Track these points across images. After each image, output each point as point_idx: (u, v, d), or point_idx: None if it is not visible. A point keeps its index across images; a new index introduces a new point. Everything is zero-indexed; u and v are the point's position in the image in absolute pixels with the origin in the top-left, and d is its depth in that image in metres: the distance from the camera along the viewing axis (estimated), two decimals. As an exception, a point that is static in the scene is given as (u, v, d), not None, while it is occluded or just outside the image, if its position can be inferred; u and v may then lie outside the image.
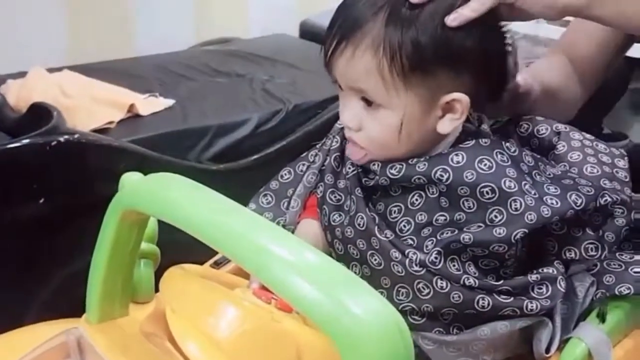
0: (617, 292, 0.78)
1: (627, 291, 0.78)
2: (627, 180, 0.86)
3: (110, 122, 1.48)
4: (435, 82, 0.74)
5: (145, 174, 0.69)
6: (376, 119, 0.76)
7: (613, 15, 0.81)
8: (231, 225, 0.57)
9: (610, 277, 0.80)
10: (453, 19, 0.73)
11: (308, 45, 2.10)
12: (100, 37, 2.02)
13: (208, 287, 0.65)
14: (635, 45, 2.02)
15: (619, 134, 3.10)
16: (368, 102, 0.75)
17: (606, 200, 0.76)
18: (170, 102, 1.63)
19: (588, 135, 0.89)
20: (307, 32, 2.26)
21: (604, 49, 1.01)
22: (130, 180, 0.74)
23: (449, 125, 0.76)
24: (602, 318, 0.78)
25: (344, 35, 0.74)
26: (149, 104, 1.59)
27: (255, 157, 1.64)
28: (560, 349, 0.76)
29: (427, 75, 0.74)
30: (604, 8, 0.80)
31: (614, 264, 0.81)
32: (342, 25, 0.75)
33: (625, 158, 0.89)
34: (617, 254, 0.83)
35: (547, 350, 0.75)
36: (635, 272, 0.80)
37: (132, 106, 1.54)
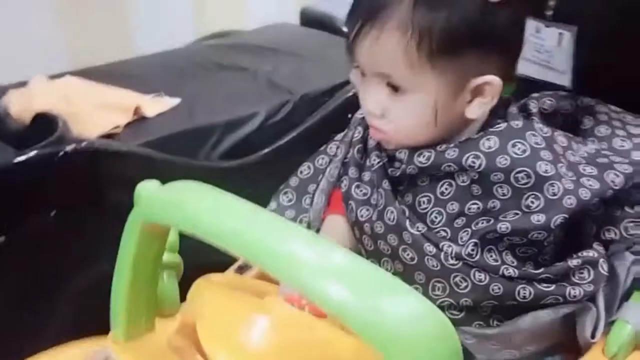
0: (660, 269, 0.76)
1: (671, 268, 0.75)
2: None
3: (117, 127, 1.44)
4: (465, 64, 0.71)
5: (156, 176, 0.67)
6: (402, 105, 0.72)
7: None
8: (255, 231, 0.54)
9: (651, 254, 0.77)
10: None
11: (310, 33, 2.07)
12: (98, 40, 1.98)
13: (238, 298, 0.62)
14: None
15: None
16: (394, 88, 0.72)
17: None
18: (176, 101, 1.59)
19: (614, 107, 0.86)
20: (309, 20, 2.22)
21: None
22: (147, 190, 0.71)
23: (478, 109, 0.73)
24: (646, 297, 0.75)
25: (369, 17, 0.70)
26: (155, 105, 1.55)
27: (266, 150, 1.61)
28: (605, 332, 0.74)
29: (457, 57, 0.70)
30: None
31: (655, 241, 0.78)
32: (366, 7, 0.71)
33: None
34: (656, 230, 0.80)
35: (593, 335, 0.72)
36: (677, 248, 0.77)
37: (137, 108, 1.50)
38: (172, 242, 0.73)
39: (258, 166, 1.58)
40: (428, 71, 0.70)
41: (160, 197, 0.62)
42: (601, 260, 0.72)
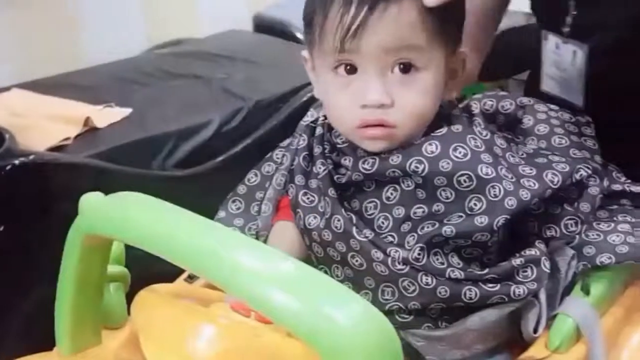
0: (598, 263, 0.78)
1: (609, 260, 0.77)
2: (595, 147, 0.85)
3: (67, 139, 1.42)
4: (452, 39, 0.74)
5: (108, 189, 0.66)
6: (413, 86, 0.72)
7: None
8: (197, 242, 0.54)
9: (590, 248, 0.79)
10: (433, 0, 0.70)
11: (263, 39, 2.07)
12: (46, 51, 1.96)
13: (182, 308, 0.62)
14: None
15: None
16: (406, 69, 0.72)
17: (581, 174, 0.75)
18: (127, 111, 1.58)
19: (553, 106, 0.88)
20: (261, 26, 2.22)
21: None
22: (90, 201, 0.71)
23: (454, 88, 0.77)
24: (586, 290, 0.77)
25: None
26: (106, 116, 1.54)
27: (222, 158, 1.61)
28: (548, 326, 0.75)
29: (452, 31, 0.74)
30: None
31: (593, 235, 0.80)
32: None
33: (592, 125, 0.88)
34: (594, 224, 0.82)
35: (535, 330, 0.74)
36: (614, 241, 0.79)
37: (87, 119, 1.49)
38: (117, 254, 0.73)
39: (213, 174, 1.58)
40: (437, 46, 0.72)
41: (102, 208, 0.62)
42: (543, 258, 0.74)
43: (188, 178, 1.54)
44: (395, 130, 0.73)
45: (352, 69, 0.73)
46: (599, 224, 0.82)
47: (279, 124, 1.68)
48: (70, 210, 0.67)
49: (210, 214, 0.88)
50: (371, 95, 0.71)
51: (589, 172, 0.75)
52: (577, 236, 0.79)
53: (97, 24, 2.05)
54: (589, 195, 0.81)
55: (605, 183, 0.84)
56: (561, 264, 0.78)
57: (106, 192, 0.66)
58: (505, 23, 2.85)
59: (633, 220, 0.82)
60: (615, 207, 0.84)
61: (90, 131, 1.49)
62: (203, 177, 1.56)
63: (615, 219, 0.82)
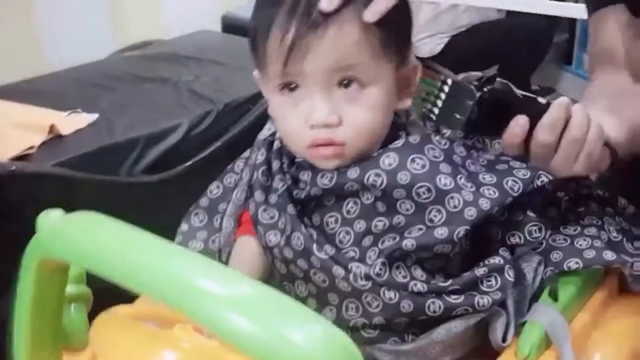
0: (566, 268, 0.77)
1: (576, 265, 0.77)
2: None
3: (31, 147, 1.40)
4: (401, 52, 0.73)
5: (75, 197, 0.64)
6: (359, 101, 0.71)
7: None
8: (151, 264, 0.52)
9: (557, 253, 0.79)
10: (373, 14, 0.69)
11: (232, 40, 2.06)
12: (8, 56, 1.92)
13: (142, 332, 0.61)
14: (557, 3, 2.03)
15: (547, 88, 3.14)
16: (347, 84, 0.70)
17: (542, 180, 0.74)
18: (93, 117, 1.56)
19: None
20: (230, 26, 2.21)
21: None
22: (48, 220, 0.69)
23: (407, 101, 0.75)
24: (554, 296, 0.77)
25: (321, 17, 0.68)
26: (71, 122, 1.52)
27: (191, 162, 1.60)
28: (517, 334, 0.75)
29: (400, 44, 0.72)
30: None
31: (560, 239, 0.80)
32: (308, 10, 0.68)
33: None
34: (561, 228, 0.82)
35: (504, 339, 0.74)
36: (581, 245, 0.79)
37: (52, 127, 1.47)
38: (77, 274, 0.71)
39: (183, 178, 1.57)
40: (382, 59, 0.71)
41: (58, 231, 0.60)
42: (507, 266, 0.73)
43: (157, 184, 1.52)
44: (344, 148, 0.72)
45: (294, 86, 0.72)
46: (565, 227, 0.81)
47: (249, 125, 1.67)
48: (34, 221, 0.65)
49: (179, 219, 0.87)
50: (317, 116, 0.70)
51: (550, 177, 0.75)
52: (544, 241, 0.78)
53: (61, 26, 2.02)
54: (554, 199, 0.80)
55: (573, 186, 0.84)
56: (528, 270, 0.78)
57: (73, 201, 0.65)
58: (475, 18, 2.85)
59: (599, 223, 0.82)
60: (582, 209, 0.84)
61: (55, 138, 1.47)
62: (172, 182, 1.55)
63: (582, 222, 0.82)
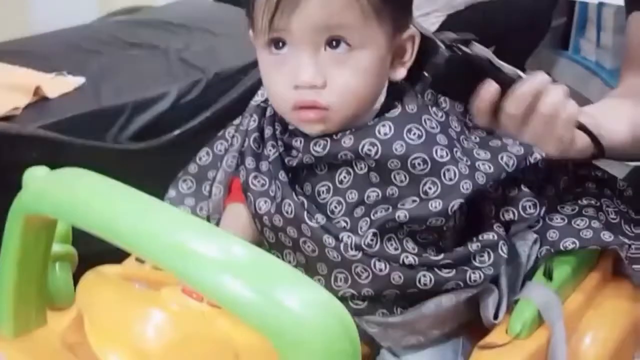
0: (562, 247, 0.77)
1: (573, 245, 0.76)
2: None
3: (16, 109, 1.37)
4: (397, 18, 0.70)
5: (59, 160, 0.62)
6: (347, 64, 0.68)
7: None
8: (142, 222, 0.51)
9: (554, 232, 0.78)
10: None
11: (223, 8, 2.02)
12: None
13: (130, 292, 0.59)
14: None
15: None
16: (335, 46, 0.68)
17: (535, 157, 0.72)
18: (80, 80, 1.53)
19: None
20: (222, -5, 2.16)
21: None
22: (33, 178, 0.67)
23: (402, 70, 0.73)
24: (549, 275, 0.76)
25: None
26: (57, 85, 1.48)
27: (179, 131, 1.57)
28: (509, 311, 0.74)
29: (394, 9, 0.69)
30: None
31: (557, 219, 0.79)
32: None
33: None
34: (558, 207, 0.81)
35: (496, 316, 0.73)
36: (578, 225, 0.78)
37: (38, 89, 1.43)
38: (62, 232, 0.69)
39: (170, 147, 1.54)
40: (374, 23, 0.68)
41: (45, 186, 0.58)
42: (501, 242, 0.72)
43: (143, 151, 1.49)
44: (328, 113, 0.69)
45: (281, 45, 0.69)
46: (563, 207, 0.80)
47: (239, 97, 1.64)
48: (18, 183, 0.63)
49: (165, 189, 0.85)
50: (302, 77, 0.68)
51: (543, 154, 0.73)
52: (541, 220, 0.77)
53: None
54: (553, 178, 0.79)
55: (571, 166, 0.83)
56: (523, 248, 0.77)
57: (57, 166, 0.62)
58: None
59: (598, 204, 0.81)
60: (580, 190, 0.83)
61: (40, 101, 1.43)
62: (159, 150, 1.52)
63: (580, 202, 0.81)
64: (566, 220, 0.78)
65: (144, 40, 1.79)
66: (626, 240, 0.78)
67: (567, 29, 2.93)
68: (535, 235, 0.77)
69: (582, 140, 0.75)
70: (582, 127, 0.75)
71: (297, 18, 0.67)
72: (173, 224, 0.51)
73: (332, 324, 0.47)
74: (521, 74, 0.76)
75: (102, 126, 1.45)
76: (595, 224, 0.78)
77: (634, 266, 0.79)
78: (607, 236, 0.76)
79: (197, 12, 2.01)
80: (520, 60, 2.60)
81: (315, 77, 0.68)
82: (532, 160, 0.73)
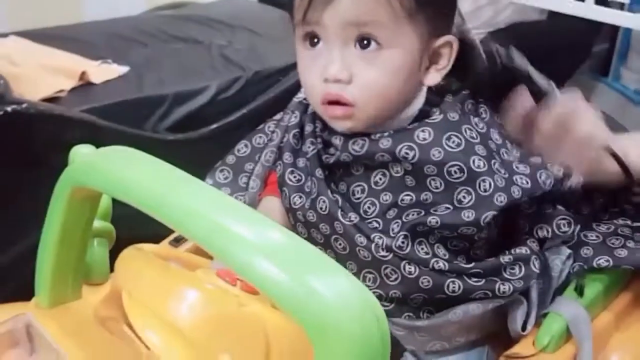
0: (595, 265, 0.76)
1: (606, 263, 0.76)
2: None
3: (61, 91, 1.40)
4: (436, 21, 0.70)
5: (98, 145, 0.64)
6: (375, 62, 0.69)
7: None
8: (189, 202, 0.52)
9: (587, 249, 0.78)
10: None
11: (267, 10, 2.04)
12: (45, 2, 1.91)
13: (167, 270, 0.60)
14: (599, 8, 1.99)
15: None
16: (366, 45, 0.68)
17: (571, 183, 0.72)
18: (124, 69, 1.55)
19: None
20: (266, -4, 2.18)
21: None
22: (81, 153, 0.68)
23: (435, 76, 0.72)
24: (580, 291, 0.76)
25: None
26: (102, 72, 1.51)
27: (215, 125, 1.58)
28: (537, 324, 0.74)
29: (431, 13, 0.69)
30: None
31: (592, 236, 0.79)
32: None
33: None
34: (594, 224, 0.80)
35: (524, 327, 0.72)
36: (613, 244, 0.78)
37: (83, 74, 1.46)
38: (104, 210, 0.71)
39: (206, 141, 1.56)
40: (406, 24, 0.68)
41: (93, 160, 0.60)
42: (533, 257, 0.72)
43: (179, 143, 1.51)
44: (354, 110, 0.70)
45: (316, 41, 0.71)
46: (598, 225, 0.80)
47: (276, 97, 1.65)
48: (60, 163, 0.65)
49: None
50: (330, 70, 0.69)
51: (580, 181, 0.73)
52: (576, 236, 0.77)
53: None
54: (589, 197, 0.79)
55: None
56: (556, 262, 0.77)
57: (96, 148, 0.64)
58: (515, 17, 2.80)
59: (634, 224, 0.80)
60: (617, 210, 0.82)
61: (85, 86, 1.46)
62: (195, 143, 1.54)
63: (615, 222, 0.80)
64: (601, 238, 0.78)
65: (187, 35, 1.81)
66: (661, 263, 0.77)
67: (608, 55, 2.90)
68: (569, 251, 0.77)
69: (611, 165, 0.75)
70: (611, 153, 0.75)
71: (328, 13, 0.68)
72: (216, 205, 0.52)
73: (365, 313, 0.48)
74: (555, 89, 0.76)
75: (142, 115, 1.47)
76: (631, 243, 0.77)
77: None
78: (641, 256, 0.76)
79: (241, 12, 2.03)
80: (559, 82, 2.57)
81: (342, 71, 0.69)
82: (567, 185, 0.73)
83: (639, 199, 0.83)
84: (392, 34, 0.68)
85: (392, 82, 0.70)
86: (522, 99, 0.73)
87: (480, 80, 0.74)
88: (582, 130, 0.72)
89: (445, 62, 0.72)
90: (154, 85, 1.54)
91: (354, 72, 0.69)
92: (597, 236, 0.78)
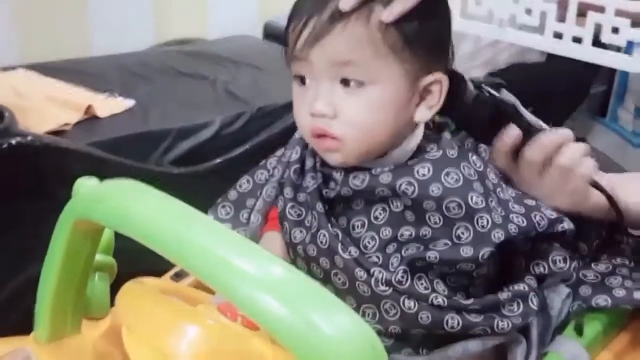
0: (594, 305, 0.76)
1: (605, 303, 0.76)
2: None
3: (67, 124, 1.41)
4: (423, 59, 0.71)
5: (103, 178, 0.64)
6: (359, 98, 0.70)
7: None
8: (191, 236, 0.52)
9: (587, 288, 0.78)
10: (388, 15, 0.69)
11: (272, 47, 2.06)
12: (55, 36, 1.94)
13: (168, 304, 0.60)
14: (597, 51, 2.02)
15: (579, 139, 3.12)
16: (348, 83, 0.70)
17: (563, 227, 0.73)
18: (130, 103, 1.57)
19: None
20: (271, 34, 2.22)
21: None
22: (85, 186, 0.69)
23: (426, 113, 0.73)
24: (579, 331, 0.76)
25: (331, 12, 0.69)
26: (108, 106, 1.53)
27: (219, 160, 1.60)
28: (537, 364, 0.74)
29: (418, 50, 0.70)
30: None
31: (591, 276, 0.79)
32: (322, 3, 0.70)
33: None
34: (592, 265, 0.81)
35: (525, 366, 0.72)
36: (612, 284, 0.78)
37: (90, 107, 1.48)
38: (106, 244, 0.71)
39: (210, 175, 1.57)
40: (392, 62, 0.70)
41: (96, 193, 0.60)
42: (532, 294, 0.72)
43: (184, 177, 1.52)
44: (342, 144, 0.72)
45: (306, 81, 0.73)
46: (597, 265, 0.81)
47: (279, 133, 1.67)
48: (64, 196, 0.65)
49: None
50: (316, 106, 0.71)
51: (572, 227, 0.74)
52: (574, 274, 0.77)
53: (106, 15, 2.04)
54: (586, 237, 0.79)
55: (605, 228, 0.83)
56: (556, 301, 0.77)
57: (101, 181, 0.65)
58: (515, 58, 2.83)
59: (632, 265, 0.81)
60: (615, 250, 0.83)
61: (91, 119, 1.48)
62: (199, 177, 1.55)
63: (614, 262, 0.81)
64: (600, 278, 0.78)
65: (193, 71, 1.83)
66: (660, 303, 0.77)
67: (606, 96, 2.94)
68: (568, 290, 0.77)
69: (597, 198, 0.76)
70: (596, 185, 0.76)
71: (315, 51, 0.70)
72: (218, 239, 0.52)
73: (365, 349, 0.48)
74: (545, 126, 0.78)
75: (147, 149, 1.49)
76: (629, 283, 0.77)
77: (667, 330, 0.78)
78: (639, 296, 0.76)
79: (247, 48, 2.06)
80: (558, 123, 2.59)
81: (327, 107, 0.70)
82: (559, 229, 0.73)
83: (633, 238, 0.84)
84: (376, 70, 0.70)
85: (377, 118, 0.71)
86: (510, 133, 0.75)
87: (472, 117, 0.76)
88: (565, 160, 0.74)
89: (436, 100, 0.73)
90: (159, 119, 1.55)
91: (339, 108, 0.71)
92: (595, 276, 0.79)
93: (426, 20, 0.71)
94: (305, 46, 0.70)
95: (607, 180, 0.77)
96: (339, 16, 0.69)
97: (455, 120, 0.77)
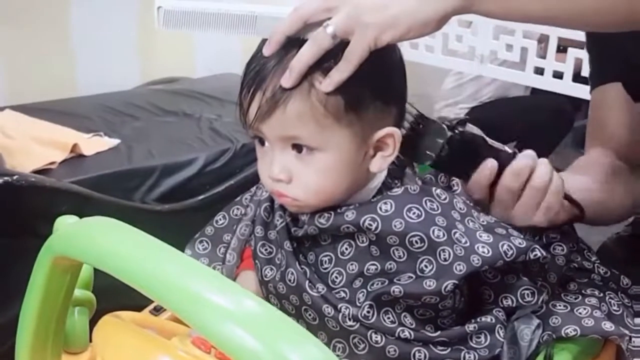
0: (563, 334, 0.78)
1: (574, 332, 0.77)
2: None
3: (52, 163, 1.43)
4: (369, 118, 0.73)
5: (87, 215, 0.66)
6: (310, 164, 0.73)
7: (499, 10, 0.77)
8: (164, 272, 0.54)
9: (556, 318, 0.79)
10: (327, 85, 0.71)
11: (257, 85, 2.10)
12: (41, 77, 1.97)
13: (143, 337, 0.62)
14: (580, 85, 2.05)
15: (558, 169, 3.15)
16: (300, 149, 0.73)
17: (536, 255, 0.74)
18: (115, 141, 1.60)
19: None
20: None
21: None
22: (64, 223, 0.71)
23: (381, 163, 0.75)
24: (549, 361, 0.77)
25: (272, 89, 0.71)
26: (93, 144, 1.55)
27: (202, 197, 1.62)
28: (507, 395, 0.75)
29: (362, 112, 0.72)
30: (489, 3, 0.75)
31: (560, 305, 0.81)
32: (263, 78, 0.71)
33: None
34: (562, 295, 0.82)
35: (494, 399, 0.74)
36: (580, 313, 0.79)
37: (75, 146, 1.50)
38: (85, 279, 0.73)
39: (194, 211, 1.59)
40: (336, 128, 0.72)
41: (73, 231, 0.62)
42: (498, 326, 0.74)
43: (167, 213, 1.54)
44: (299, 202, 0.75)
45: (262, 142, 0.76)
46: (567, 295, 0.82)
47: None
48: (48, 233, 0.66)
49: (183, 251, 0.88)
50: (271, 172, 0.74)
51: (544, 254, 0.75)
52: (543, 305, 0.79)
53: (91, 55, 2.07)
54: (555, 265, 0.81)
55: (574, 256, 0.85)
56: (526, 332, 0.78)
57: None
58: (498, 92, 2.87)
59: (601, 295, 0.82)
60: (585, 280, 0.85)
61: (76, 158, 1.50)
62: (182, 214, 1.57)
63: (583, 292, 0.82)
64: (569, 308, 0.80)
65: (178, 109, 1.87)
66: (627, 332, 0.79)
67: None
68: (538, 321, 0.79)
69: (566, 207, 0.81)
70: (567, 196, 0.81)
71: (264, 126, 0.72)
72: (190, 274, 0.54)
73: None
74: (515, 150, 0.81)
75: (132, 185, 1.51)
76: (597, 313, 0.79)
77: (635, 359, 0.80)
78: (607, 326, 0.78)
79: (231, 86, 2.06)
80: (543, 155, 2.63)
81: (281, 173, 0.73)
82: (531, 257, 0.74)
83: (604, 270, 0.86)
84: (322, 138, 0.72)
85: (330, 181, 0.74)
86: (488, 165, 0.78)
87: (443, 153, 0.77)
88: (539, 181, 0.78)
89: (390, 151, 0.75)
90: (143, 157, 1.58)
91: (292, 173, 0.73)
92: (564, 306, 0.80)
93: (369, 81, 0.72)
94: (255, 121, 0.73)
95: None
96: (281, 92, 0.71)
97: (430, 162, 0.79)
